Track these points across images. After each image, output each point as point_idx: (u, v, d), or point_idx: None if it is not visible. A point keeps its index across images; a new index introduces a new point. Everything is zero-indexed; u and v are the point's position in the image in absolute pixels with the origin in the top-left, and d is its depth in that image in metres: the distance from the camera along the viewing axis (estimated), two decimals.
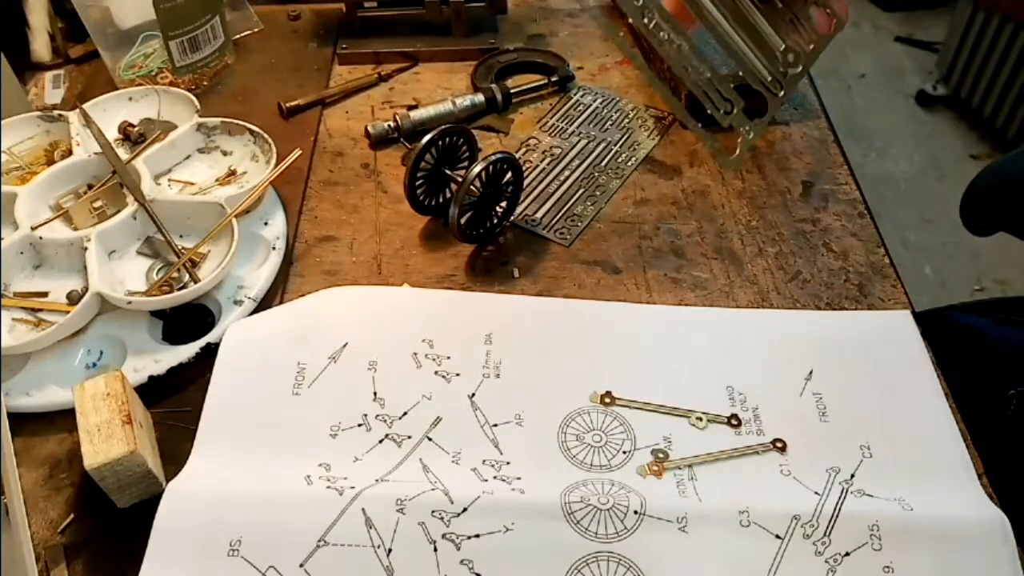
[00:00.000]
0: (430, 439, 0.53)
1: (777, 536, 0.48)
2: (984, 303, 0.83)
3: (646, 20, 0.47)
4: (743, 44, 0.48)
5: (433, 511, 0.48)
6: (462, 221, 0.63)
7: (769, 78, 0.48)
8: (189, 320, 0.60)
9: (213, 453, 0.52)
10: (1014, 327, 0.74)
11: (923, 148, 2.16)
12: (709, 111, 0.49)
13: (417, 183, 0.66)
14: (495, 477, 0.51)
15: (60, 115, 0.70)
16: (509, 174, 0.65)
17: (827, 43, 0.48)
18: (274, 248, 0.65)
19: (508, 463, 0.52)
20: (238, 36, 0.87)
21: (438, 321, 0.60)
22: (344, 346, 0.58)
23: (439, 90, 0.82)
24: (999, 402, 0.67)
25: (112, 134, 0.71)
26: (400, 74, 0.84)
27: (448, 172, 0.67)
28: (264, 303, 0.62)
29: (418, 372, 0.57)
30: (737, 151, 0.50)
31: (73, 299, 0.59)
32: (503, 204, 0.66)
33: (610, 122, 0.78)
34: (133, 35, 0.81)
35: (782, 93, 0.49)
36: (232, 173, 0.70)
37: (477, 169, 0.61)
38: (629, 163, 0.74)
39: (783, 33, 0.48)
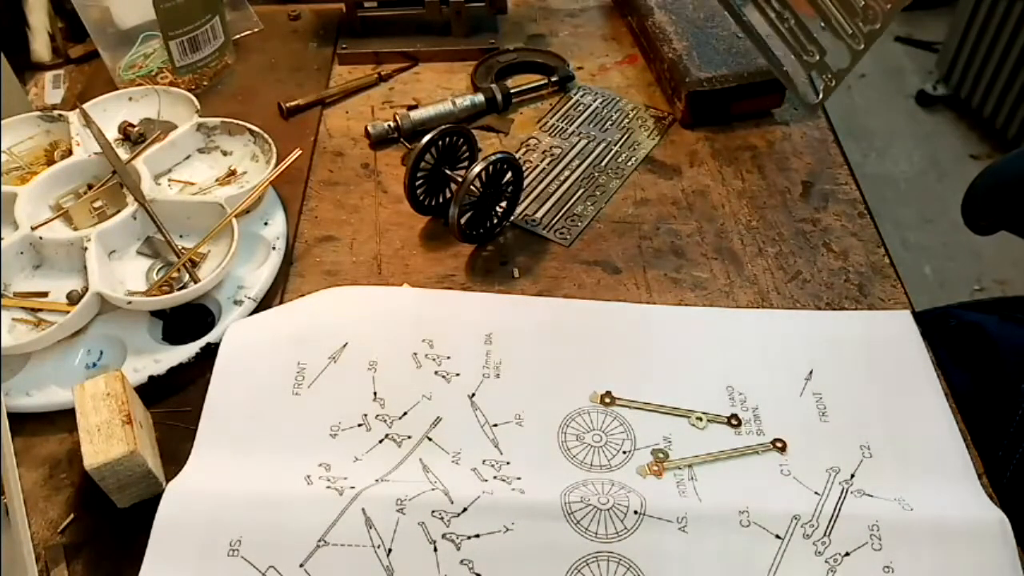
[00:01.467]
0: (430, 439, 0.53)
1: (777, 536, 0.48)
2: (985, 302, 0.82)
3: None
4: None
5: (433, 511, 0.48)
6: (462, 221, 0.63)
7: (850, 31, 0.49)
8: (189, 320, 0.60)
9: (213, 453, 0.52)
10: (1018, 324, 0.74)
11: (923, 148, 2.16)
12: (793, 56, 0.50)
13: (417, 183, 0.66)
14: (495, 477, 0.51)
15: (60, 115, 0.70)
16: (509, 174, 0.65)
17: (903, 3, 0.48)
18: (274, 248, 0.65)
19: (508, 463, 0.52)
20: (238, 36, 0.87)
21: (438, 321, 0.60)
22: (344, 346, 0.58)
23: (439, 90, 0.82)
24: (1009, 400, 0.67)
25: (112, 134, 0.71)
26: (400, 74, 0.84)
27: (448, 172, 0.67)
28: (264, 303, 0.62)
29: (418, 372, 0.57)
30: (821, 95, 0.51)
31: (73, 299, 0.59)
32: (503, 204, 0.66)
33: (610, 122, 0.78)
34: (133, 35, 0.81)
35: (862, 47, 0.50)
36: (232, 173, 0.70)
37: (477, 169, 0.61)
38: (629, 163, 0.74)
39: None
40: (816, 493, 0.50)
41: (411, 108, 0.78)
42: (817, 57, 0.51)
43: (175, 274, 0.61)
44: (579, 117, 0.79)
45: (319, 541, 0.47)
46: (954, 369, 0.57)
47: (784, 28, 0.50)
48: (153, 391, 0.56)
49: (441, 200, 0.68)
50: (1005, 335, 0.72)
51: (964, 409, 0.54)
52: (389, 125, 0.76)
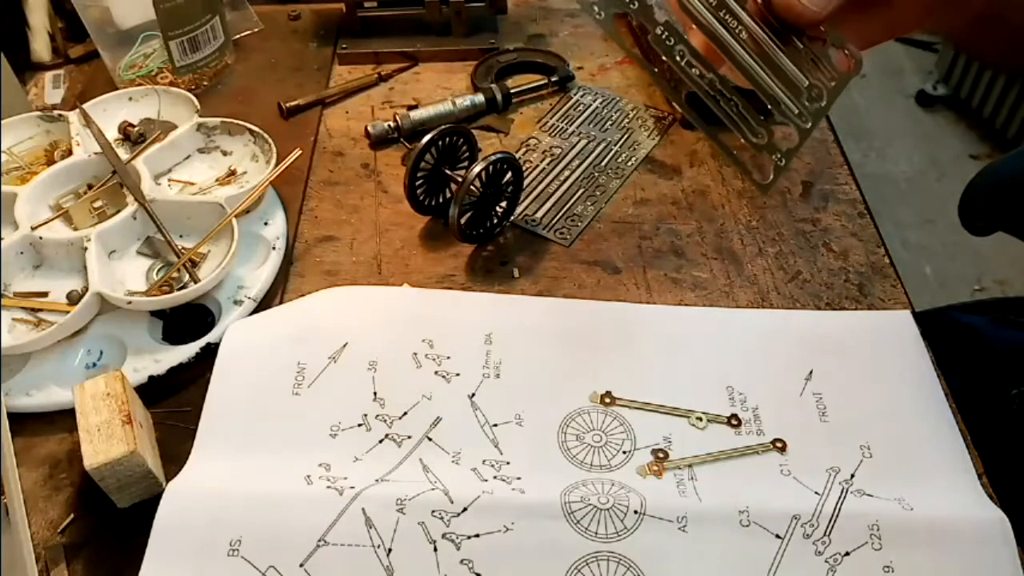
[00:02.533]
0: (430, 439, 0.53)
1: (777, 536, 0.48)
2: (984, 303, 0.83)
3: (678, 58, 0.50)
4: (770, 80, 0.50)
5: (433, 511, 0.48)
6: (462, 221, 0.63)
7: (796, 111, 0.51)
8: (189, 320, 0.60)
9: (213, 453, 0.52)
10: (1014, 328, 0.74)
11: (923, 148, 2.16)
12: (742, 140, 0.52)
13: (417, 183, 0.66)
14: (495, 477, 0.51)
15: (60, 115, 0.70)
16: (509, 174, 0.65)
17: (848, 80, 0.51)
18: (274, 248, 0.65)
19: (508, 463, 0.52)
20: (238, 36, 0.87)
21: (438, 321, 0.60)
22: (344, 346, 0.58)
23: (439, 90, 0.82)
24: (1001, 402, 0.67)
25: (112, 134, 0.71)
26: (400, 74, 0.84)
27: (448, 172, 0.67)
28: (264, 303, 0.62)
29: (418, 372, 0.57)
30: (771, 177, 0.53)
31: (73, 299, 0.59)
32: (503, 204, 0.66)
33: (610, 122, 0.78)
34: (133, 35, 0.81)
35: (809, 125, 0.51)
36: (232, 173, 0.70)
37: (477, 169, 0.61)
38: (629, 163, 0.74)
39: (806, 71, 0.51)
40: (816, 493, 0.50)
41: (411, 108, 0.78)
42: (765, 139, 0.52)
43: (175, 274, 0.61)
44: (579, 117, 0.79)
45: (319, 541, 0.47)
46: (948, 371, 0.57)
47: (732, 112, 0.51)
48: (153, 391, 0.56)
49: (441, 200, 0.68)
50: (999, 338, 0.72)
51: (959, 410, 0.54)
52: (389, 125, 0.76)
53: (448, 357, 0.57)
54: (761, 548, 0.47)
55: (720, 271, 0.64)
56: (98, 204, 0.64)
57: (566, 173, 0.73)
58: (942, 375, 0.56)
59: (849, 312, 0.61)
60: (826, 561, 0.47)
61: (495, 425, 0.54)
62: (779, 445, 0.53)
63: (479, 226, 0.65)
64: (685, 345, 0.58)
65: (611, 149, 0.75)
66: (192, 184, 0.69)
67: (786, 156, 0.53)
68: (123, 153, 0.69)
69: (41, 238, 0.61)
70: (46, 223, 0.63)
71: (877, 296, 0.62)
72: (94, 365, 0.58)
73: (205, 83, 0.82)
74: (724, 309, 0.61)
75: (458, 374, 0.56)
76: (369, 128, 0.76)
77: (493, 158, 0.62)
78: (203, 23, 0.79)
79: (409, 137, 0.76)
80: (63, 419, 0.54)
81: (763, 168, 0.52)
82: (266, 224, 0.67)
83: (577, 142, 0.76)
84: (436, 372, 0.57)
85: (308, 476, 0.50)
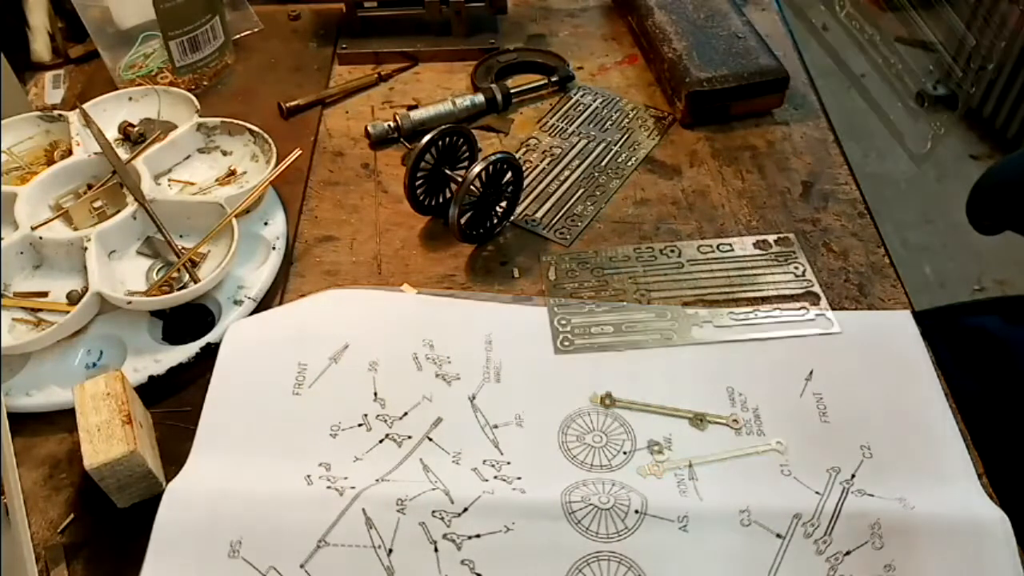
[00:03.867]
0: (430, 439, 0.53)
1: (778, 535, 0.48)
2: (988, 302, 0.82)
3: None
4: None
5: (434, 511, 0.48)
6: (462, 221, 0.63)
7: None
8: (189, 320, 0.60)
9: (213, 453, 0.52)
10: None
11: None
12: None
13: (417, 183, 0.66)
14: (496, 477, 0.51)
15: (60, 115, 0.70)
16: (509, 174, 0.65)
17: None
18: (274, 248, 0.65)
19: (508, 463, 0.52)
20: (238, 36, 0.87)
21: (438, 322, 0.60)
22: (345, 347, 0.58)
23: (439, 90, 0.82)
24: (1021, 401, 0.67)
25: (112, 134, 0.71)
26: (400, 74, 0.84)
27: (448, 172, 0.67)
28: (264, 303, 0.62)
29: (419, 374, 0.57)
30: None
31: (73, 299, 0.59)
32: (503, 204, 0.66)
33: (610, 122, 0.78)
34: (133, 35, 0.81)
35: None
36: (232, 173, 0.70)
37: (477, 169, 0.61)
38: (629, 163, 0.74)
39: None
40: (817, 493, 0.50)
41: (411, 108, 0.78)
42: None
43: (175, 274, 0.61)
44: (579, 117, 0.79)
45: (319, 541, 0.47)
46: (962, 374, 0.56)
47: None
48: (153, 391, 0.56)
49: (441, 200, 0.68)
50: (1013, 338, 0.72)
51: (972, 413, 0.54)
52: (389, 125, 0.76)
53: (448, 359, 0.57)
54: (762, 547, 0.47)
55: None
56: (98, 204, 0.64)
57: (566, 173, 0.73)
58: (956, 378, 0.56)
59: (849, 312, 0.61)
60: (827, 560, 0.47)
61: (495, 426, 0.54)
62: (779, 445, 0.53)
63: (479, 226, 0.65)
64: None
65: (611, 149, 0.75)
66: (192, 184, 0.69)
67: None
68: (123, 153, 0.68)
69: (41, 238, 0.61)
70: (46, 223, 0.63)
71: (877, 296, 0.62)
72: (94, 365, 0.58)
73: (205, 83, 0.82)
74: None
75: (458, 377, 0.56)
76: (369, 128, 0.76)
77: (493, 158, 0.62)
78: (203, 23, 0.79)
79: (409, 137, 0.76)
80: (63, 419, 0.54)
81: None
82: (266, 224, 0.67)
83: (577, 142, 0.76)
84: (437, 374, 0.57)
85: (308, 476, 0.50)
